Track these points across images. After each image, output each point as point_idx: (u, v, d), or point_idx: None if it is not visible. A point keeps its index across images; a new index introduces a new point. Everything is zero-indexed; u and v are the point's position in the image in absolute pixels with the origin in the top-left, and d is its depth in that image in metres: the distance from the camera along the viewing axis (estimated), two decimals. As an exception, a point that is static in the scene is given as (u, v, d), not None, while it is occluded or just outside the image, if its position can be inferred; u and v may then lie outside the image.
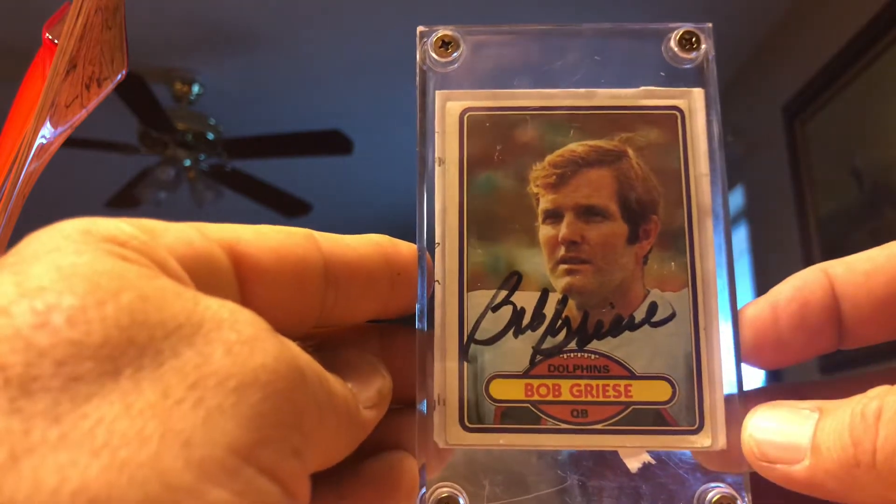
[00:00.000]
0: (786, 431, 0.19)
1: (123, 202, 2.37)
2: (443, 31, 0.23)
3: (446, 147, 0.22)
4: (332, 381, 0.17)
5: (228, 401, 0.14)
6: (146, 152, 2.19)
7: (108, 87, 0.30)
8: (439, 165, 0.22)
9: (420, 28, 0.23)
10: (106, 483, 0.12)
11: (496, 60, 0.23)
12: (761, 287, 1.97)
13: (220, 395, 0.14)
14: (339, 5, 1.83)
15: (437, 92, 0.23)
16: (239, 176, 2.30)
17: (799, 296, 0.20)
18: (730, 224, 0.22)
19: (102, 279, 0.14)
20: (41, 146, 0.28)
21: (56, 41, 0.28)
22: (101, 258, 0.15)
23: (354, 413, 0.18)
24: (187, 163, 2.24)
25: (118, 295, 0.14)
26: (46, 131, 0.28)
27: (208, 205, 2.42)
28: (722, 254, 0.21)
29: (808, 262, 1.70)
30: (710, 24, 0.23)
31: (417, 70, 0.23)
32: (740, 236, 2.09)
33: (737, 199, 2.10)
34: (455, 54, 0.23)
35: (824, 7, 1.74)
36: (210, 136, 2.20)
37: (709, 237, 0.21)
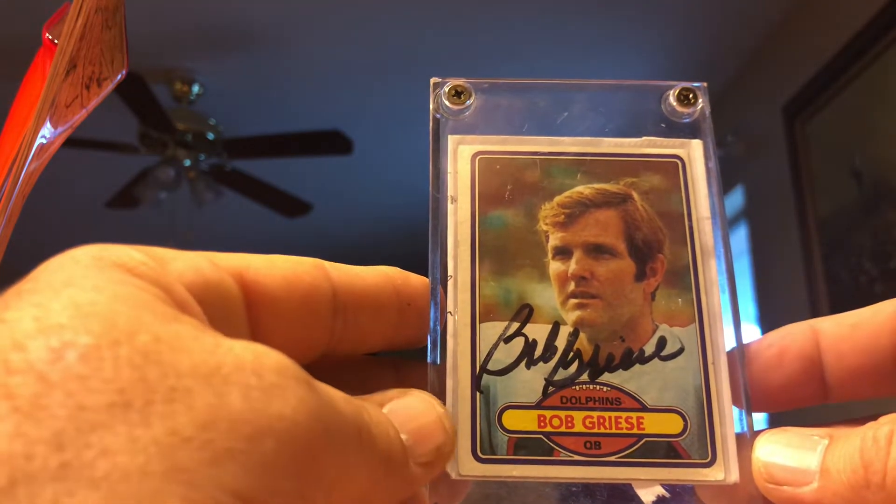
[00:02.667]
0: (794, 454, 0.19)
1: (123, 202, 2.37)
2: (455, 82, 0.24)
3: (459, 186, 0.23)
4: (376, 431, 0.17)
5: (239, 446, 0.13)
6: (146, 152, 2.19)
7: (108, 87, 0.30)
8: (452, 203, 0.23)
9: (433, 79, 0.24)
10: None
11: (506, 110, 0.24)
12: (761, 287, 1.98)
13: (232, 439, 0.13)
14: (340, 6, 1.83)
15: (450, 136, 0.24)
16: (239, 176, 2.30)
17: (779, 343, 0.21)
18: (732, 264, 0.23)
19: (119, 319, 0.14)
20: (41, 146, 0.28)
21: (56, 41, 0.28)
22: (119, 295, 0.15)
23: (399, 466, 0.18)
24: (187, 163, 2.24)
25: (133, 336, 0.14)
26: (46, 131, 0.28)
27: (208, 205, 2.42)
28: (725, 292, 0.22)
29: (809, 262, 1.70)
30: (706, 84, 0.25)
31: (430, 118, 0.24)
32: (740, 236, 2.09)
33: (737, 199, 2.10)
34: (468, 102, 0.24)
35: (824, 7, 1.74)
36: (210, 136, 2.20)
37: (713, 276, 0.22)
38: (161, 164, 2.23)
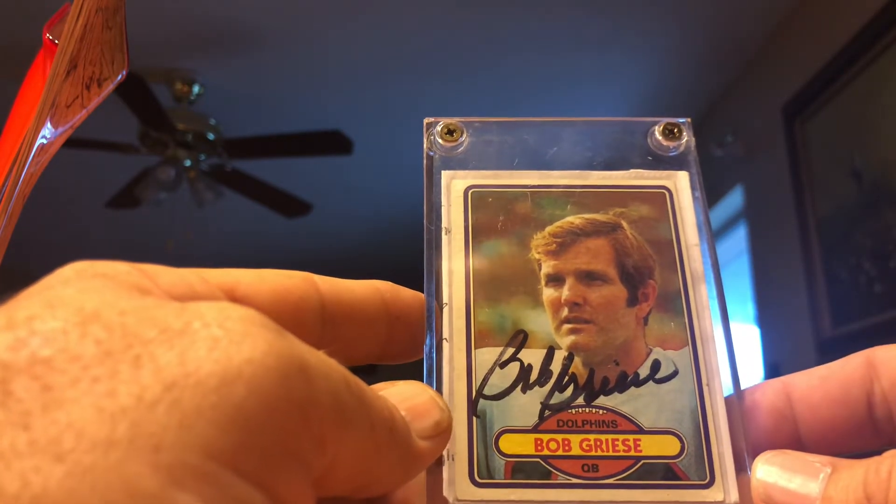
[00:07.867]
0: (795, 479, 0.19)
1: (123, 202, 2.37)
2: (447, 121, 0.25)
3: (452, 218, 0.24)
4: (369, 392, 0.17)
5: (207, 401, 0.13)
6: (146, 152, 2.19)
7: (109, 88, 0.30)
8: (446, 234, 0.23)
9: (427, 119, 0.25)
10: (67, 489, 0.12)
11: (497, 146, 0.25)
12: (761, 288, 1.98)
13: (199, 395, 0.13)
14: (339, 6, 1.83)
15: (443, 171, 0.25)
16: (239, 176, 2.30)
17: (750, 399, 0.22)
18: (723, 288, 0.23)
19: (87, 304, 0.14)
20: (41, 146, 0.28)
21: (56, 41, 0.28)
22: (89, 287, 0.15)
23: (403, 436, 0.17)
24: (187, 163, 2.24)
25: (99, 315, 0.14)
26: (46, 131, 0.28)
27: (208, 205, 2.42)
28: (717, 315, 0.23)
29: (808, 262, 1.70)
30: (689, 119, 0.25)
31: (424, 155, 0.25)
32: (740, 236, 2.09)
33: (736, 199, 2.10)
34: (460, 139, 0.25)
35: (824, 7, 1.74)
36: (210, 136, 2.20)
37: (704, 300, 0.23)
38: (161, 164, 2.23)
